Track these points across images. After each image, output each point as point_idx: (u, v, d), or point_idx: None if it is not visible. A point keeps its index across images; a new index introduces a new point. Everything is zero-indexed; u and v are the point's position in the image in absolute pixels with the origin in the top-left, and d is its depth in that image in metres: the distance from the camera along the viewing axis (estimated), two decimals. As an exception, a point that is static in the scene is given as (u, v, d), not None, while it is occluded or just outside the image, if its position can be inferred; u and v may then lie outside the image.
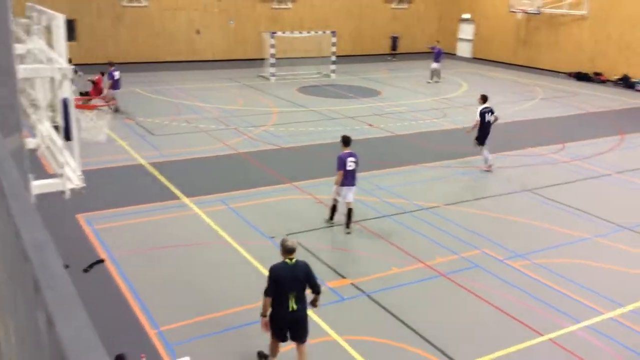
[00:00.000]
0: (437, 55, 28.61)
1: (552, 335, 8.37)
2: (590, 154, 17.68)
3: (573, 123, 21.98)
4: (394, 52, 37.44)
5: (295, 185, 14.08)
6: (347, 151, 11.53)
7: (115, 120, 18.43)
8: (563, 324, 8.67)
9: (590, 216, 12.84)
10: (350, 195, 11.57)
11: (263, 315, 7.06)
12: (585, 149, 18.17)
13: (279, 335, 7.18)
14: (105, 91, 20.43)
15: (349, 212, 11.61)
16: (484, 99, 15.81)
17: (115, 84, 20.56)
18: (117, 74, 20.56)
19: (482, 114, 15.48)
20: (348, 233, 11.62)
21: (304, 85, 27.66)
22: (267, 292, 6.99)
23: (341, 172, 11.38)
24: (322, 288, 9.33)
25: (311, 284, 7.16)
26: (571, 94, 27.61)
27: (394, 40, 37.42)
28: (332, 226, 11.86)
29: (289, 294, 6.92)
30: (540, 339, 8.29)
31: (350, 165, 11.41)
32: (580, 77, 31.67)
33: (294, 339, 7.20)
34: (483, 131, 15.48)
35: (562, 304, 9.24)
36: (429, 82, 28.69)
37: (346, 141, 11.64)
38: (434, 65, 28.70)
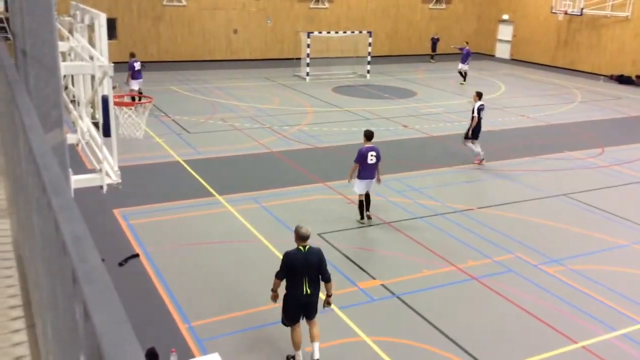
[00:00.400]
0: (465, 56, 28.17)
1: (586, 342, 8.22)
2: (630, 158, 17.27)
3: (613, 127, 21.48)
4: (434, 53, 36.37)
5: (327, 185, 14.10)
6: (369, 145, 11.77)
7: (152, 117, 18.73)
8: (598, 332, 8.50)
9: (629, 222, 12.54)
10: (369, 187, 11.93)
11: (273, 290, 7.62)
12: (626, 154, 17.75)
13: (293, 318, 7.53)
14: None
15: (367, 196, 12.02)
16: (479, 95, 16.16)
17: (134, 75, 20.86)
18: (137, 65, 20.86)
19: (479, 111, 15.83)
20: (369, 217, 12.09)
21: (339, 85, 27.66)
22: (277, 275, 7.47)
23: (357, 165, 11.65)
24: (353, 288, 9.38)
25: (322, 270, 7.44)
26: (612, 97, 27.00)
27: (434, 42, 36.28)
28: (363, 226, 11.86)
29: (302, 278, 7.33)
30: (574, 346, 8.14)
31: (371, 159, 11.66)
32: (622, 80, 30.94)
33: (305, 317, 7.61)
34: (478, 127, 15.92)
35: (597, 311, 9.05)
36: (462, 84, 28.29)
37: (368, 135, 11.93)
38: (463, 66, 28.24)
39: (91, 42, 7.70)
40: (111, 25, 29.19)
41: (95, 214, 11.57)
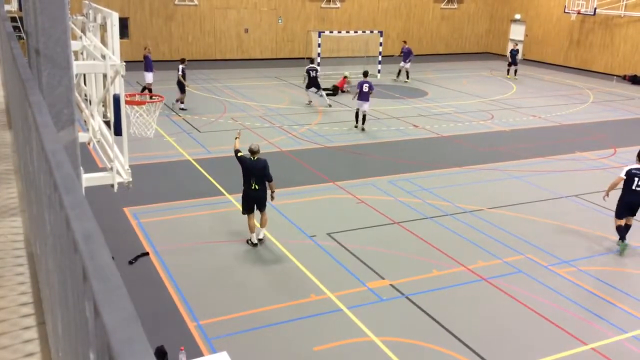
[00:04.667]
0: (405, 55, 28.17)
1: (596, 344, 8.17)
2: (643, 160, 17.12)
3: (626, 128, 21.31)
4: (514, 66, 30.52)
5: (337, 185, 14.10)
6: (364, 79, 18.80)
7: (163, 116, 18.80)
8: (608, 334, 8.45)
9: (641, 224, 12.44)
10: (364, 107, 18.76)
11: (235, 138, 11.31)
12: (638, 155, 17.59)
13: (248, 208, 10.68)
14: None
15: (364, 117, 18.99)
16: (311, 60, 23.74)
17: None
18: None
19: (308, 71, 22.11)
20: (362, 129, 18.92)
21: (350, 84, 27.59)
22: (235, 153, 10.83)
23: (358, 90, 18.74)
24: (362, 288, 9.39)
25: (265, 174, 10.50)
26: (625, 98, 26.79)
27: (513, 54, 30.21)
28: (374, 226, 11.86)
29: (251, 178, 10.47)
30: (584, 347, 8.10)
31: (364, 88, 18.56)
32: (636, 80, 30.69)
33: (258, 209, 10.71)
34: (312, 82, 22.02)
35: (608, 313, 9.00)
36: (395, 80, 28.39)
37: (365, 74, 19.54)
38: (405, 65, 28.23)
39: (103, 41, 7.75)
40: (123, 24, 29.33)
41: (106, 212, 11.64)
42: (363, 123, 18.95)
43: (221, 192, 13.31)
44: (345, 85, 25.43)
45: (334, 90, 24.92)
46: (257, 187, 10.49)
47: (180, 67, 20.79)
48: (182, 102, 21.02)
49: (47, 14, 4.08)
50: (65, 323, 1.81)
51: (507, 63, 31.18)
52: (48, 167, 1.94)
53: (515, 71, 30.61)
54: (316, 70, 22.37)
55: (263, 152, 16.66)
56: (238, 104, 22.50)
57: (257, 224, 10.91)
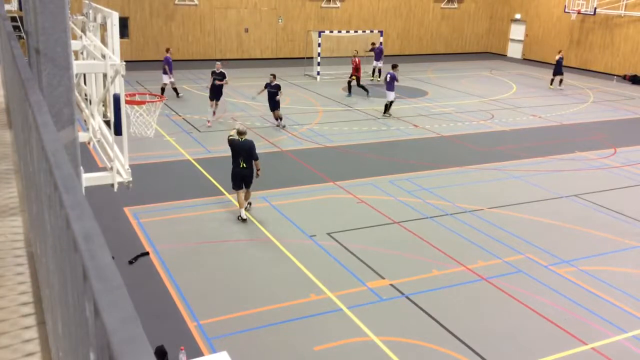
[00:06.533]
0: (378, 54, 28.39)
1: (596, 344, 8.17)
2: (643, 160, 17.13)
3: (626, 127, 21.31)
4: (560, 75, 28.00)
5: (337, 185, 14.10)
6: (391, 71, 20.80)
7: (163, 116, 18.80)
8: (608, 334, 8.45)
9: (641, 224, 12.44)
10: (388, 96, 20.89)
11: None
12: (638, 155, 17.60)
13: (236, 185, 11.71)
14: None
15: (390, 104, 21.06)
16: (220, 64, 20.45)
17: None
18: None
19: (221, 78, 19.70)
20: (386, 114, 21.10)
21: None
22: (229, 141, 11.85)
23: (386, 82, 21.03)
24: (362, 288, 9.39)
25: (251, 153, 11.62)
26: (625, 98, 26.79)
27: (559, 63, 27.61)
28: (373, 226, 11.86)
29: (239, 157, 11.59)
30: (584, 347, 8.10)
31: (387, 78, 20.82)
32: (636, 80, 30.69)
33: (245, 187, 11.74)
34: (212, 89, 19.39)
35: (608, 312, 9.00)
36: (372, 80, 28.46)
37: (393, 66, 21.20)
38: (377, 64, 28.43)
39: (103, 40, 7.75)
40: (123, 24, 29.34)
41: (106, 212, 11.64)
42: (387, 110, 21.07)
43: (221, 192, 13.31)
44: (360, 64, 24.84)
45: (355, 80, 24.34)
46: (244, 165, 11.57)
47: (274, 83, 18.76)
48: (280, 119, 19.26)
49: (47, 14, 4.08)
50: (65, 323, 1.81)
51: (552, 72, 28.66)
52: (48, 166, 1.94)
53: (561, 81, 28.15)
54: (224, 77, 19.45)
55: (264, 151, 16.80)
56: (238, 104, 22.50)
57: (248, 215, 11.82)
